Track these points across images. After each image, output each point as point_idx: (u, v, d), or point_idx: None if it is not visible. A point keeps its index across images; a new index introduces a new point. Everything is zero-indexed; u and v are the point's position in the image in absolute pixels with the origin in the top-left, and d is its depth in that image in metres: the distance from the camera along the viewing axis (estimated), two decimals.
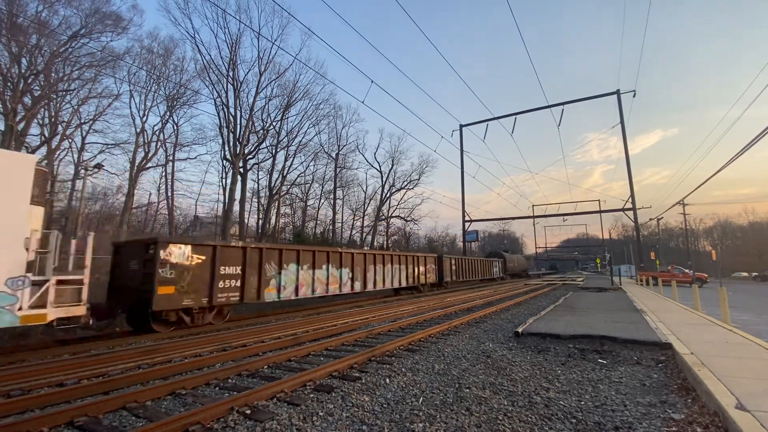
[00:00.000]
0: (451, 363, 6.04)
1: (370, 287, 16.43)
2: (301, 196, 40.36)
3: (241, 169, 30.00)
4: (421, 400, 4.33)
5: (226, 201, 28.99)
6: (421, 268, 21.44)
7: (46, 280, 6.39)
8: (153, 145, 30.29)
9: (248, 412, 3.93)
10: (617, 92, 35.17)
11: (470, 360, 6.25)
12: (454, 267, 26.17)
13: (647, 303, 14.28)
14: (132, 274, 9.31)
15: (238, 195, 29.52)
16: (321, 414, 3.89)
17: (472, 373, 5.42)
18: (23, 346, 7.47)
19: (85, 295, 7.00)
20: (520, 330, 8.17)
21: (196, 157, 36.45)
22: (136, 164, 28.36)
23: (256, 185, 35.94)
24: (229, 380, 5.24)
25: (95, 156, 27.57)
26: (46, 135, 24.34)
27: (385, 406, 4.15)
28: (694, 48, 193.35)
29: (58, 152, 25.42)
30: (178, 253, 9.17)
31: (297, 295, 12.48)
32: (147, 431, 3.30)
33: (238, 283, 10.51)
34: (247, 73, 33.17)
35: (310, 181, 40.58)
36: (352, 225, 47.88)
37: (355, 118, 49.22)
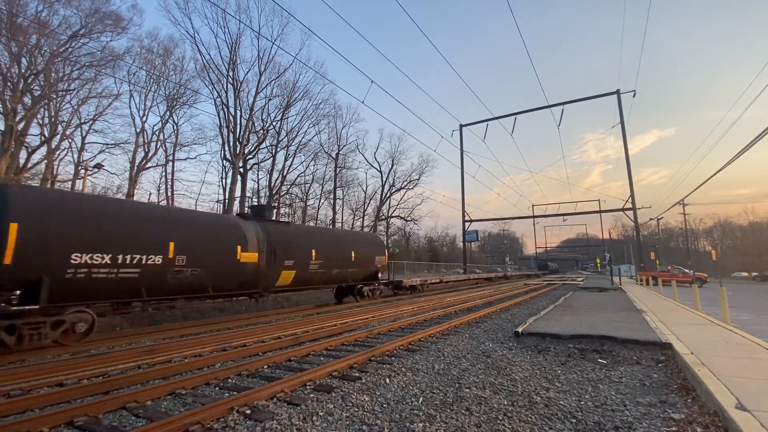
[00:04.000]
0: (451, 363, 6.04)
1: None
2: (301, 196, 40.43)
3: (241, 169, 30.01)
4: (421, 399, 4.33)
5: (226, 201, 29.00)
6: None
7: None
8: (153, 145, 30.37)
9: (248, 411, 3.93)
10: (617, 92, 35.14)
11: (470, 360, 6.25)
12: None
13: (647, 303, 14.28)
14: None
15: (238, 195, 29.53)
16: (321, 414, 3.89)
17: (472, 373, 5.42)
18: (23, 346, 7.46)
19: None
20: (520, 330, 8.17)
21: (196, 157, 36.62)
22: (136, 164, 28.39)
23: (256, 185, 36.00)
24: (229, 380, 5.24)
25: (95, 156, 27.65)
26: (46, 135, 24.35)
27: (385, 405, 4.15)
28: (692, 48, 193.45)
29: (58, 152, 25.47)
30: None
31: None
32: (147, 431, 3.31)
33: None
34: (247, 72, 33.26)
35: (310, 181, 40.65)
36: (352, 225, 47.93)
37: (355, 118, 49.44)
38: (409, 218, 52.30)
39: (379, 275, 17.83)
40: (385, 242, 20.45)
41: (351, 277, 15.78)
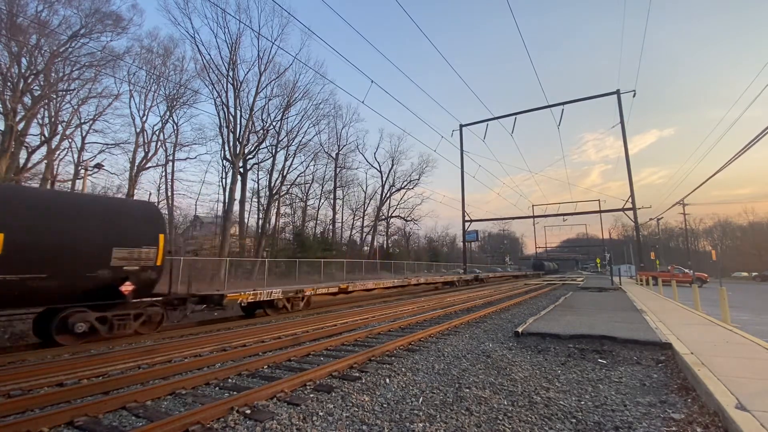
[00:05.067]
0: (451, 363, 6.04)
1: None
2: (301, 196, 40.40)
3: (241, 169, 30.00)
4: (421, 399, 4.33)
5: (226, 201, 29.00)
6: None
7: None
8: (153, 145, 30.32)
9: (248, 411, 3.93)
10: (617, 92, 35.11)
11: (470, 360, 6.25)
12: None
13: (647, 303, 14.28)
14: None
15: (238, 195, 29.55)
16: (321, 414, 3.89)
17: (472, 373, 5.42)
18: (23, 346, 7.46)
19: None
20: (520, 330, 8.17)
21: (196, 157, 36.65)
22: (136, 164, 28.37)
23: (256, 185, 35.93)
24: (229, 380, 5.25)
25: (95, 156, 27.59)
26: (46, 135, 24.34)
27: (385, 405, 4.15)
28: (692, 48, 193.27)
29: (58, 152, 25.44)
30: None
31: None
32: (147, 431, 3.31)
33: None
34: (247, 72, 33.22)
35: (310, 181, 40.59)
36: (352, 225, 47.99)
37: (355, 118, 49.31)
38: (409, 218, 52.32)
39: (128, 286, 8.16)
40: (160, 214, 9.91)
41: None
